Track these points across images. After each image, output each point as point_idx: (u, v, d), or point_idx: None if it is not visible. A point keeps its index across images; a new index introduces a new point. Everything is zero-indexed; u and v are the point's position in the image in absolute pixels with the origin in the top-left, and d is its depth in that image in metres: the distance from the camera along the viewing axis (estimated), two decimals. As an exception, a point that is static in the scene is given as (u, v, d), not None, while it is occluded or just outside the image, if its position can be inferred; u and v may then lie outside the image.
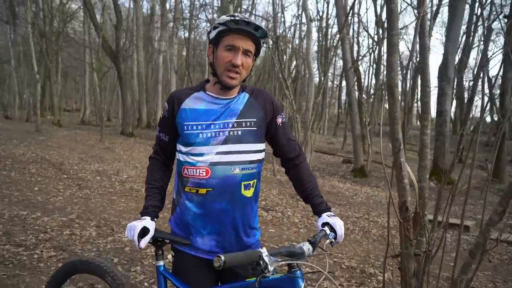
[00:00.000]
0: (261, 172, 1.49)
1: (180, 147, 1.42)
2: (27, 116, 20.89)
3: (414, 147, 20.43)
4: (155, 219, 1.41)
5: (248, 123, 1.38)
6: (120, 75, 16.79)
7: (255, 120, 1.39)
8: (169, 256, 1.48)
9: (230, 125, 1.36)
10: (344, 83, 22.26)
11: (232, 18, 1.27)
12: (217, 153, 1.34)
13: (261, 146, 1.43)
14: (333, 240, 1.33)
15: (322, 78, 21.65)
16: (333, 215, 1.41)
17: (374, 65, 23.18)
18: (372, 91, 22.72)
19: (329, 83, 27.00)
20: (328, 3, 24.99)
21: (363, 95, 20.26)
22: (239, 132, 1.36)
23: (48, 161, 8.35)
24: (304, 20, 23.14)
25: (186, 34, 21.84)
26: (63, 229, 3.88)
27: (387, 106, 1.91)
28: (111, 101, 32.14)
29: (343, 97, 29.87)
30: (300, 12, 22.69)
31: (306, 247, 1.18)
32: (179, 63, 25.39)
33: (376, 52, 19.16)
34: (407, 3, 2.93)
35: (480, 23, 18.46)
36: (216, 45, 1.34)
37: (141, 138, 16.99)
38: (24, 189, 5.56)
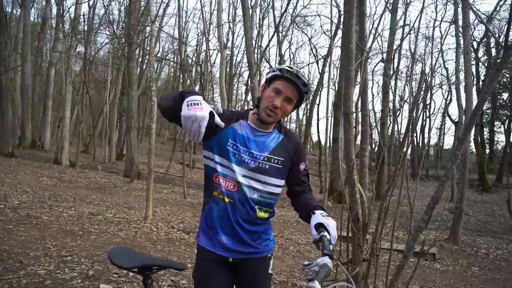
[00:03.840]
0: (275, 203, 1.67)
1: (214, 156, 1.57)
2: None
3: (310, 171, 22.29)
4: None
5: (276, 161, 1.59)
6: (0, 86, 14.62)
7: (283, 159, 1.60)
8: None
9: (261, 158, 1.57)
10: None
11: (289, 68, 1.52)
12: (244, 176, 1.55)
13: (281, 182, 1.62)
14: (333, 244, 1.37)
15: (227, 103, 22.29)
16: (327, 215, 1.45)
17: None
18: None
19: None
20: (234, 33, 26.16)
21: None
22: (267, 166, 1.57)
23: None
24: (212, 47, 23.72)
25: (81, 49, 20.29)
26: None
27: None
28: (-19, 116, 27.37)
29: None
30: (205, 38, 23.22)
31: (329, 262, 1.19)
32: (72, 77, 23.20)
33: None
34: (357, 43, 3.38)
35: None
36: (268, 85, 1.57)
37: (24, 159, 14.84)
38: None
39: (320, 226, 1.40)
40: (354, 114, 2.23)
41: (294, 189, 1.69)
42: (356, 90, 2.61)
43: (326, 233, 1.36)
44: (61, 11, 17.70)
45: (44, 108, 19.43)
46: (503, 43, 2.03)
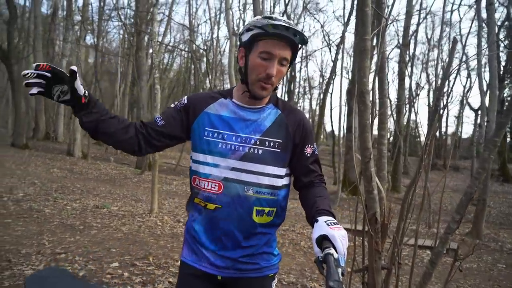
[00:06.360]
0: (285, 202, 1.31)
1: (195, 155, 1.27)
2: None
3: (323, 161, 21.94)
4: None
5: (272, 143, 1.24)
6: (12, 77, 14.63)
7: (281, 141, 1.25)
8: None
9: (252, 142, 1.23)
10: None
11: (271, 21, 1.13)
12: (233, 169, 1.22)
13: (282, 171, 1.25)
14: (342, 266, 0.94)
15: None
16: (335, 223, 1.06)
17: (287, 84, 24.60)
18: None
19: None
20: (244, 21, 25.65)
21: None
22: (260, 151, 1.23)
23: None
24: (222, 34, 23.32)
25: (94, 40, 20.18)
26: None
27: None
28: (-3, 109, 27.89)
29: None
30: (211, 23, 22.83)
31: None
32: (85, 69, 23.23)
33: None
34: (374, 8, 2.98)
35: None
36: (249, 50, 1.20)
37: (37, 151, 14.92)
38: None
39: (324, 239, 1.02)
40: (371, 94, 1.86)
41: (300, 180, 1.30)
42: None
43: (332, 250, 0.97)
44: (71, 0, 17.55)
45: (57, 100, 19.47)
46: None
